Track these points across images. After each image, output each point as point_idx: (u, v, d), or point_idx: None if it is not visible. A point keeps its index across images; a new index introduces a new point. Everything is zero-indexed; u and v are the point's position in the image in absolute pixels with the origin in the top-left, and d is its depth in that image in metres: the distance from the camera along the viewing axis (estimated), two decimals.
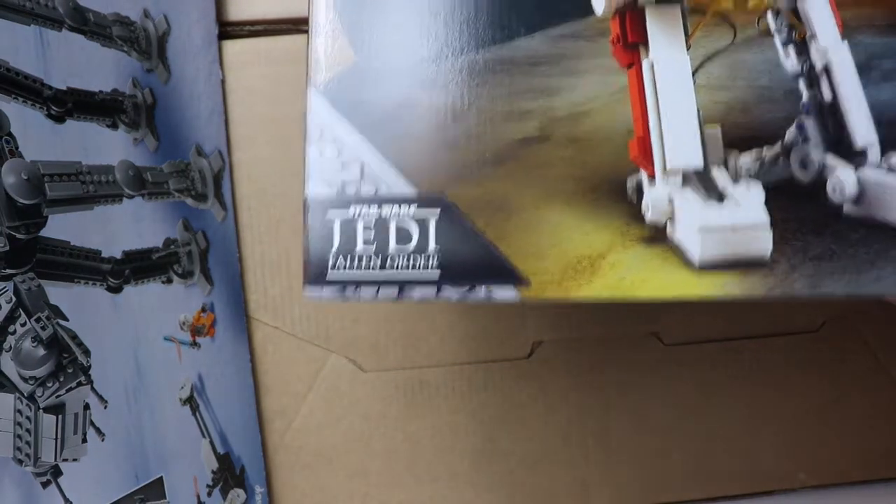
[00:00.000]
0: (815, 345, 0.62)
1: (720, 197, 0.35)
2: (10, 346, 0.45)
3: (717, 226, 0.35)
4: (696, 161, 0.36)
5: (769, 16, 0.36)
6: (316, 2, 0.35)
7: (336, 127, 0.35)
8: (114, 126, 0.54)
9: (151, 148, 0.58)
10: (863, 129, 0.35)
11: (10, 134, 0.45)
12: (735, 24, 0.36)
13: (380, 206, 0.35)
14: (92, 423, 0.50)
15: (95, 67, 0.53)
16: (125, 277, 0.54)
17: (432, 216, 0.35)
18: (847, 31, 0.36)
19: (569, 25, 0.36)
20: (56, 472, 0.47)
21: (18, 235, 0.46)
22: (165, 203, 0.59)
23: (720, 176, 0.36)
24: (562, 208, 0.35)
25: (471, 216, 0.35)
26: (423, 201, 0.35)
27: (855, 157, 0.35)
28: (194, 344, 0.61)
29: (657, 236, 0.35)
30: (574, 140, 0.35)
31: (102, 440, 0.50)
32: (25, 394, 0.46)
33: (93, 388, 0.50)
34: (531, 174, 0.35)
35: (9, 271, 0.45)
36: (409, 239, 0.35)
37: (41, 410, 0.46)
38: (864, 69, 0.35)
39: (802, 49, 0.36)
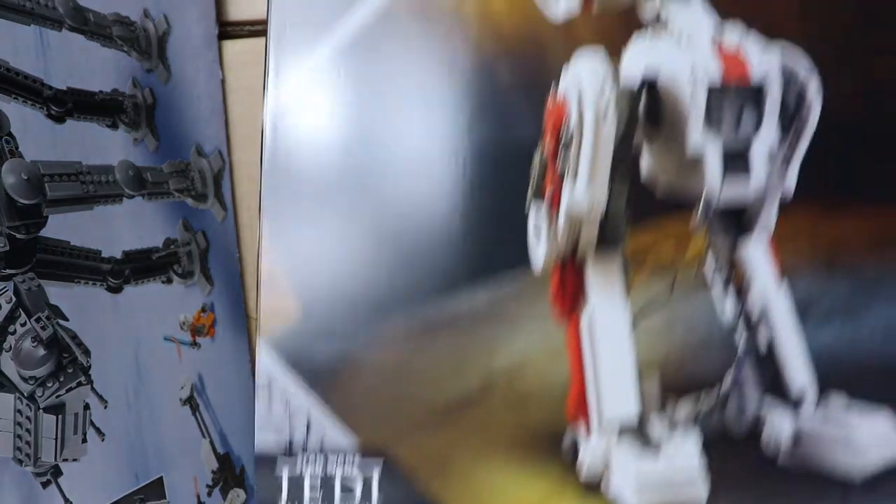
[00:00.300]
0: None
1: (656, 448, 0.35)
2: (10, 346, 0.45)
3: (652, 479, 0.35)
4: (632, 413, 0.36)
5: (707, 263, 0.38)
6: (266, 254, 0.37)
7: (284, 379, 0.37)
8: (114, 126, 0.54)
9: (151, 148, 0.58)
10: (799, 376, 0.36)
11: (10, 134, 0.45)
12: (675, 273, 0.37)
13: (325, 458, 0.36)
14: (92, 423, 0.50)
15: (95, 67, 0.53)
16: (125, 277, 0.54)
17: (375, 468, 0.36)
18: (785, 273, 0.37)
19: (510, 280, 0.37)
20: (56, 472, 0.47)
21: (18, 235, 0.46)
22: (165, 203, 0.59)
23: (656, 426, 0.36)
24: (501, 462, 0.35)
25: (413, 469, 0.35)
26: (367, 452, 0.36)
27: (791, 401, 0.36)
28: (194, 344, 0.61)
29: (593, 489, 0.35)
30: (513, 394, 0.36)
31: (102, 440, 0.50)
32: (25, 394, 0.46)
33: (93, 388, 0.50)
34: (472, 427, 0.36)
35: (9, 271, 0.45)
36: (353, 498, 0.35)
37: (41, 410, 0.46)
38: (803, 311, 0.36)
39: (740, 295, 0.37)
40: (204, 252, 0.63)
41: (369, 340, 0.37)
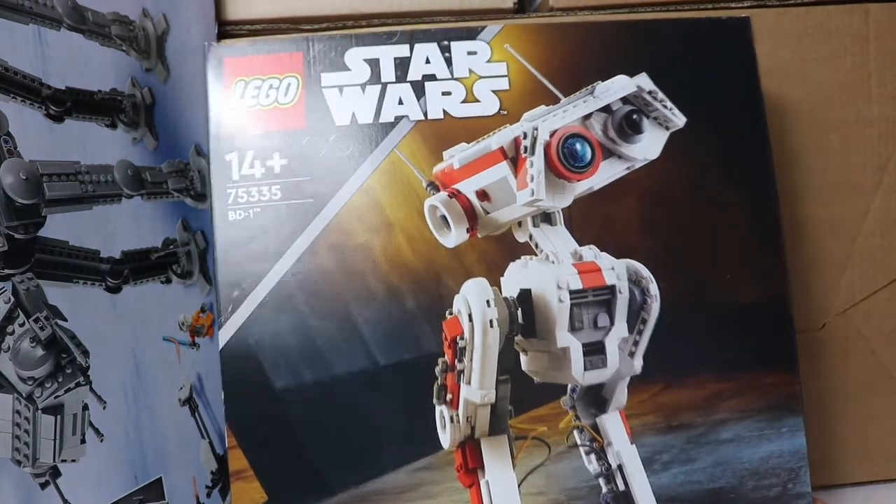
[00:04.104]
0: (816, 345, 0.62)
1: None
2: (9, 347, 0.45)
3: None
4: None
5: (575, 433, 0.49)
6: (231, 450, 0.48)
7: None
8: (112, 126, 0.54)
9: (150, 147, 0.58)
10: None
11: (8, 133, 0.45)
12: (549, 444, 0.49)
13: None
14: (91, 424, 0.49)
15: (94, 67, 0.53)
16: (124, 277, 0.54)
17: None
18: (635, 436, 0.49)
19: (424, 460, 0.49)
20: (55, 472, 0.47)
21: (17, 235, 0.45)
22: (164, 203, 0.59)
23: None
24: None
25: None
26: None
27: None
28: (193, 344, 0.61)
29: None
30: None
31: (101, 441, 0.50)
32: (24, 394, 0.45)
33: (91, 389, 0.50)
34: None
35: (7, 271, 0.45)
36: None
37: (40, 411, 0.46)
38: (648, 462, 0.49)
39: (601, 455, 0.48)
40: (203, 252, 0.63)
41: None
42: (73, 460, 0.48)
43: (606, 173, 0.47)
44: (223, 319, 0.49)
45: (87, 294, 0.51)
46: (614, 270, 0.46)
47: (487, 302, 0.45)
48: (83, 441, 0.49)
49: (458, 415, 0.46)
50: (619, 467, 0.48)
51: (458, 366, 0.46)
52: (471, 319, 0.45)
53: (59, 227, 0.48)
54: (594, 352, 0.46)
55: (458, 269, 0.50)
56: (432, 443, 0.48)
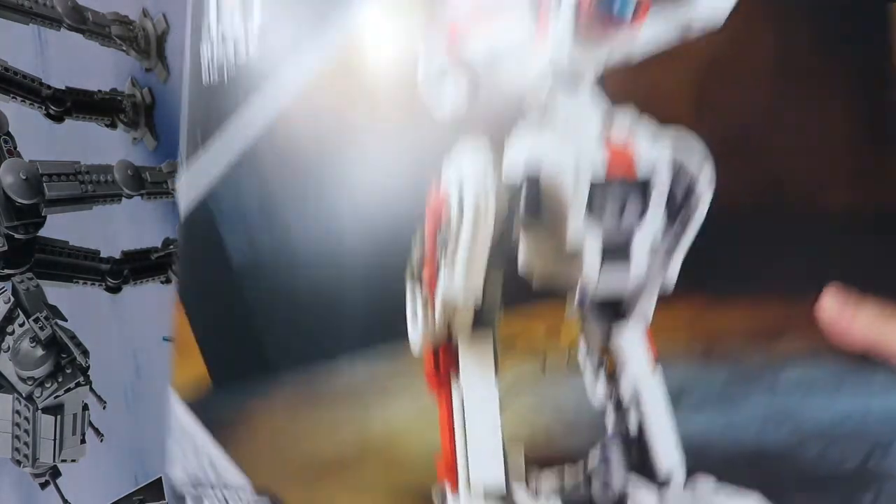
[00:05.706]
0: None
1: None
2: (9, 347, 0.45)
3: None
4: (497, 480, 0.36)
5: (580, 349, 0.35)
6: (177, 323, 0.41)
7: (191, 425, 0.42)
8: (112, 125, 0.54)
9: (150, 147, 0.58)
10: (666, 458, 0.33)
11: (8, 133, 0.45)
12: (545, 357, 0.36)
13: (223, 491, 0.41)
14: (91, 424, 0.49)
15: (94, 67, 0.53)
16: (124, 277, 0.54)
17: None
18: (660, 361, 0.35)
19: (389, 356, 0.38)
20: (55, 472, 0.47)
21: (17, 235, 0.45)
22: (164, 202, 0.59)
23: (521, 495, 0.35)
24: None
25: None
26: (257, 492, 0.40)
27: (657, 482, 0.33)
28: None
29: None
30: (387, 459, 0.37)
31: (101, 441, 0.50)
32: (24, 394, 0.45)
33: (91, 389, 0.50)
34: (348, 486, 0.38)
35: (7, 271, 0.45)
36: None
37: (39, 411, 0.46)
38: (676, 397, 0.35)
39: (612, 380, 0.35)
40: None
41: (260, 401, 0.41)
42: (73, 460, 0.48)
43: (650, 32, 0.36)
44: (187, 161, 0.42)
45: (87, 294, 0.51)
46: (653, 154, 0.35)
47: (485, 180, 0.35)
48: (83, 441, 0.49)
49: (434, 307, 0.37)
50: (634, 397, 0.38)
51: (440, 251, 0.37)
52: (461, 200, 0.35)
53: (59, 227, 0.48)
54: (616, 251, 0.37)
55: (451, 134, 0.40)
56: (398, 330, 0.42)
